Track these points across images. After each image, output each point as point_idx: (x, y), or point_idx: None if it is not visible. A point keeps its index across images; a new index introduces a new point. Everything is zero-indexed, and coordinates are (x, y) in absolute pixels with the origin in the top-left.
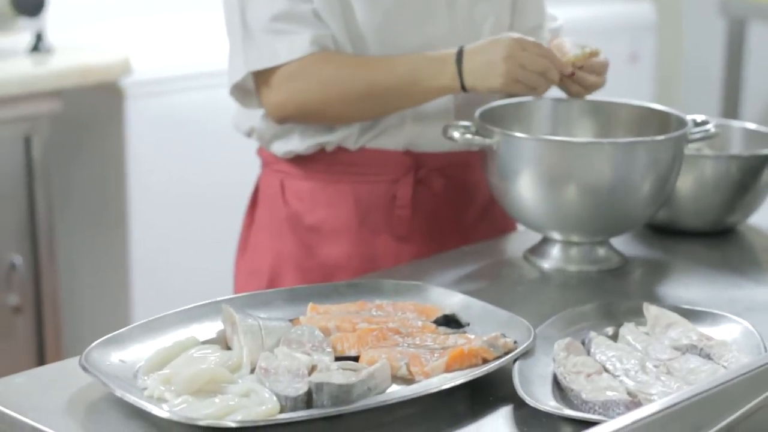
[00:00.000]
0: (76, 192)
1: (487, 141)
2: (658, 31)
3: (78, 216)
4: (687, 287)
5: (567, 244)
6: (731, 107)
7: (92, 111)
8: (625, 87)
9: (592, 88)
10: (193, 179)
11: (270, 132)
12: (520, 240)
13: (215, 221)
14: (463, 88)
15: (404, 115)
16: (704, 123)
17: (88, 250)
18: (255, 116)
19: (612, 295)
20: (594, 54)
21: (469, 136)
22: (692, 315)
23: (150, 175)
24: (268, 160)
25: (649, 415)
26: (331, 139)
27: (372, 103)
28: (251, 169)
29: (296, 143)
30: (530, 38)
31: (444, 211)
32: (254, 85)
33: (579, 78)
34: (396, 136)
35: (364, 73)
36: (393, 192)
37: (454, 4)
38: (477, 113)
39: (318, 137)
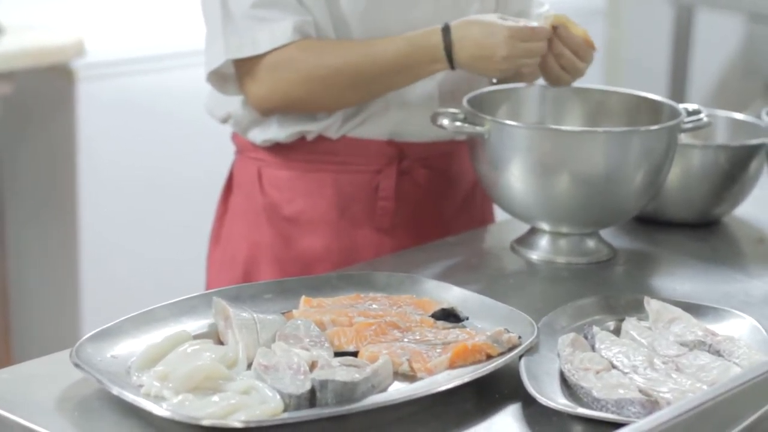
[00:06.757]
0: (26, 175)
1: (478, 129)
2: (606, 16)
3: (27, 199)
4: (681, 280)
5: (556, 235)
6: (677, 95)
7: (44, 93)
8: None
9: (572, 71)
10: (144, 164)
11: (248, 119)
12: (502, 231)
13: (166, 207)
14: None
15: (388, 103)
16: (696, 112)
17: (36, 234)
18: (232, 102)
19: (604, 288)
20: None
21: (458, 123)
22: (694, 309)
23: (101, 158)
24: (243, 147)
25: (675, 416)
26: (312, 128)
27: (357, 89)
28: (203, 154)
29: (276, 131)
30: (521, 23)
31: (426, 203)
32: (235, 73)
33: (559, 55)
34: (379, 125)
35: (347, 58)
36: (375, 183)
37: None
38: (465, 100)
39: (299, 126)
